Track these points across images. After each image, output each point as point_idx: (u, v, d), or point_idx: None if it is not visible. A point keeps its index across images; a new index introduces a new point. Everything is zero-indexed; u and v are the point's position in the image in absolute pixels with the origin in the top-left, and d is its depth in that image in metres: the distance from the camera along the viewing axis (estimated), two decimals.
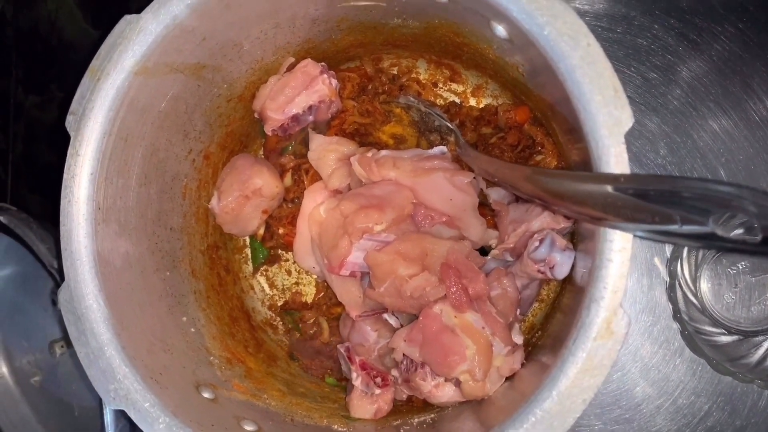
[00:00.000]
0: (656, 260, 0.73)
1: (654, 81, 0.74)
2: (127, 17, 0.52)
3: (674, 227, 0.39)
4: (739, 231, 0.38)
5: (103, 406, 0.74)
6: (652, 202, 0.40)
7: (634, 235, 0.44)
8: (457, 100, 0.71)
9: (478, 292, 0.58)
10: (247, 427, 0.55)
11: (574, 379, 0.44)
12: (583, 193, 0.44)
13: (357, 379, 0.63)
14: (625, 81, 0.74)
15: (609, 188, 0.42)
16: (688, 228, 0.39)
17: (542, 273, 0.59)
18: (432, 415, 0.61)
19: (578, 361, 0.44)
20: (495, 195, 0.66)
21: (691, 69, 0.74)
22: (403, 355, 0.60)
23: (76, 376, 0.87)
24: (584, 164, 0.48)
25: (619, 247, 0.44)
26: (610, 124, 0.44)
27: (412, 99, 0.70)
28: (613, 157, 0.44)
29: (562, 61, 0.45)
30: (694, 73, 0.74)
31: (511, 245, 0.62)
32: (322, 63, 0.68)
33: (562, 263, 0.58)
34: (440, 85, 0.72)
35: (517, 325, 0.61)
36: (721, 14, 0.73)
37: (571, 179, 0.46)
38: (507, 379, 0.58)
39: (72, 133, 0.52)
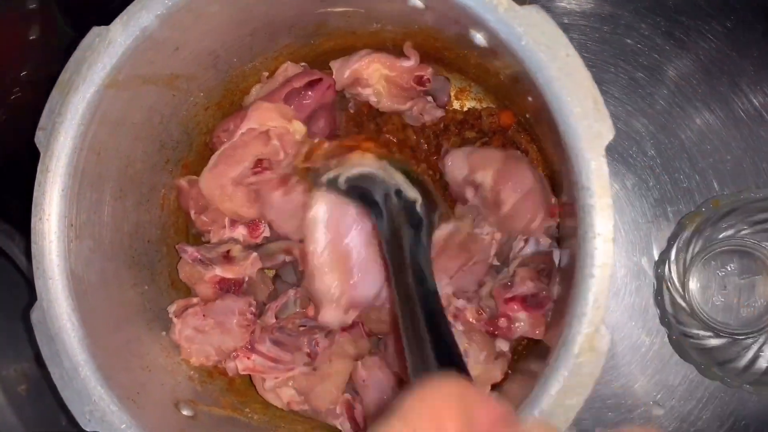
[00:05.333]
0: (644, 262, 0.72)
1: (641, 80, 0.73)
2: (96, 29, 0.50)
3: None
4: None
5: None
6: None
7: None
8: None
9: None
10: None
11: (557, 398, 0.43)
12: None
13: None
14: (612, 81, 0.73)
15: None
16: None
17: None
18: None
19: (560, 379, 0.43)
20: None
21: (678, 68, 0.73)
22: None
23: None
24: (567, 173, 0.47)
25: (601, 263, 0.43)
26: (589, 137, 0.43)
27: None
28: (594, 172, 0.43)
29: (540, 71, 0.44)
30: (681, 72, 0.73)
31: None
32: (303, 63, 0.67)
33: None
34: None
35: None
36: (708, 13, 0.72)
37: None
38: (494, 388, 0.57)
39: (42, 149, 0.51)
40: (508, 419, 0.29)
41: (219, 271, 0.60)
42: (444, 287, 0.56)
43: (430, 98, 0.66)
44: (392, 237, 0.48)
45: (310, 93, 0.62)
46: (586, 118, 0.43)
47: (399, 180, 0.51)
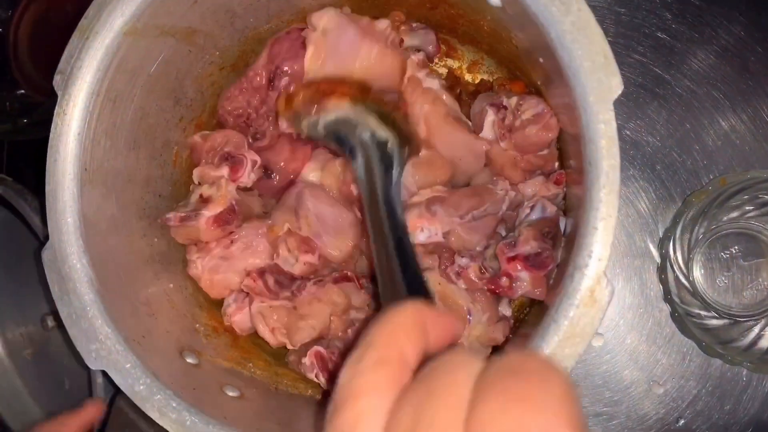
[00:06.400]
0: (648, 242, 0.72)
1: (658, 66, 0.73)
2: None
3: None
4: None
5: (91, 382, 0.73)
6: None
7: None
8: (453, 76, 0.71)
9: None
10: (230, 393, 0.55)
11: (556, 347, 0.44)
12: None
13: None
14: (628, 64, 0.73)
15: None
16: None
17: None
18: None
19: (560, 329, 0.44)
20: None
21: (697, 56, 0.73)
22: None
23: (67, 349, 0.86)
24: (574, 131, 0.47)
25: (604, 215, 0.43)
26: (599, 91, 0.43)
27: None
28: (602, 124, 0.43)
29: (553, 27, 0.44)
30: (699, 59, 0.73)
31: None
32: None
33: None
34: (436, 60, 0.71)
35: (505, 300, 0.60)
36: (731, 1, 0.72)
37: None
38: (495, 350, 0.58)
39: (59, 92, 0.52)
40: (456, 330, 0.32)
41: (208, 212, 0.60)
42: (451, 224, 0.57)
43: (420, 53, 0.66)
44: (366, 175, 0.53)
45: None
46: (595, 72, 0.43)
47: (371, 122, 0.55)
